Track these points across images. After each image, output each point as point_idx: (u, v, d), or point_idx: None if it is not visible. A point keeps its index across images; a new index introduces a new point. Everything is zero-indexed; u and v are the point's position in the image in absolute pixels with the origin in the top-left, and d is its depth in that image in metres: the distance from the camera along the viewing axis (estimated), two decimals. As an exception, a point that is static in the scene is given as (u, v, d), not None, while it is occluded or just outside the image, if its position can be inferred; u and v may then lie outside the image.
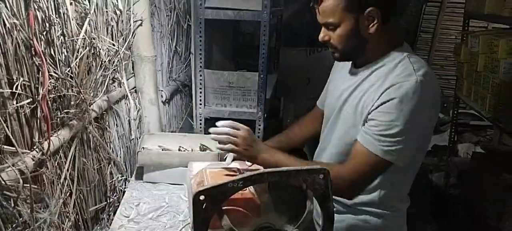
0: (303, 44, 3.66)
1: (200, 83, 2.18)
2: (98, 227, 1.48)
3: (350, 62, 1.23)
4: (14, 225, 0.95)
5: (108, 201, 1.56)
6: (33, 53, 1.03)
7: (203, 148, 1.73)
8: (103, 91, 1.47)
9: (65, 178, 1.22)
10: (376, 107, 1.08)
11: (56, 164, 1.17)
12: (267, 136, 2.21)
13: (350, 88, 1.19)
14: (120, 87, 1.60)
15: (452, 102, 4.20)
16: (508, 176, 2.16)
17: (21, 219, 0.96)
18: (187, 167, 1.50)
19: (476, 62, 2.42)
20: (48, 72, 1.10)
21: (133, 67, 1.78)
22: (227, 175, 1.26)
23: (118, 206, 1.44)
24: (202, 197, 0.90)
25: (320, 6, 1.11)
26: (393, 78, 1.07)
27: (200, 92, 2.19)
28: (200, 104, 2.21)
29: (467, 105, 2.96)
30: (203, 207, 0.91)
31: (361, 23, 1.09)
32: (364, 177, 1.13)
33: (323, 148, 1.30)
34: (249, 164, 1.42)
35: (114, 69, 1.52)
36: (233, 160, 1.38)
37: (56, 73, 1.13)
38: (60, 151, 1.20)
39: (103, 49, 1.41)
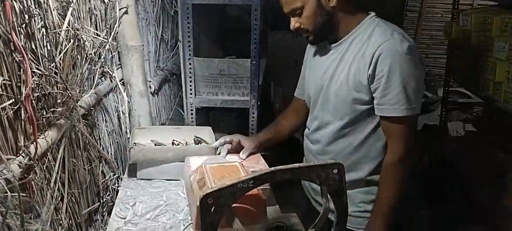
0: (289, 26, 3.60)
1: (190, 72, 2.08)
2: (92, 229, 1.40)
3: (322, 44, 1.32)
4: (3, 240, 0.87)
5: (101, 201, 1.48)
6: (13, 48, 0.93)
7: (198, 141, 1.65)
8: (90, 86, 1.37)
9: (55, 182, 1.13)
10: (374, 75, 1.16)
11: (45, 168, 1.08)
12: (260, 123, 2.16)
13: (333, 64, 1.26)
14: (111, 81, 1.50)
15: (439, 81, 4.25)
16: (503, 155, 2.17)
17: (10, 232, 0.88)
18: (182, 161, 1.44)
19: (468, 41, 2.40)
20: (31, 69, 1.00)
21: (119, 58, 1.68)
22: (228, 170, 1.20)
23: (112, 205, 1.37)
24: (210, 200, 0.83)
25: None
26: (376, 40, 1.17)
27: (190, 81, 2.10)
28: (191, 93, 2.12)
29: (456, 83, 2.96)
30: (211, 210, 0.84)
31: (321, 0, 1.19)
32: (410, 142, 1.20)
33: (321, 126, 1.34)
34: (246, 155, 1.38)
35: (102, 63, 1.42)
36: (228, 153, 1.42)
37: (39, 70, 1.03)
38: (49, 154, 1.11)
39: (88, 41, 1.30)
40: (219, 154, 1.45)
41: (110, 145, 1.60)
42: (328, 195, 0.90)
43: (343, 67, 1.24)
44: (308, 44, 1.45)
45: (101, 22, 1.44)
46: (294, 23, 1.25)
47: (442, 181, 2.71)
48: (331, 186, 0.89)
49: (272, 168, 0.87)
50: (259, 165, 1.38)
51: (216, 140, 1.62)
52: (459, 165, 2.56)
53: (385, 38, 1.16)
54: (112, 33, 1.49)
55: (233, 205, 0.93)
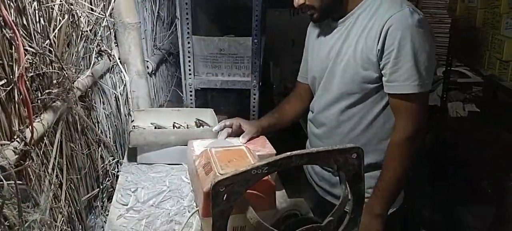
0: (286, 4, 3.51)
1: (189, 51, 2.00)
2: (92, 216, 1.35)
3: (325, 22, 1.25)
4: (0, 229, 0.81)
5: (101, 187, 1.42)
6: (3, 24, 0.85)
7: (199, 123, 1.59)
8: (86, 66, 1.29)
9: (53, 168, 1.06)
10: (383, 51, 1.09)
11: (41, 153, 1.01)
12: (260, 104, 2.09)
13: (339, 41, 1.20)
14: (109, 60, 1.41)
15: (439, 61, 4.20)
16: (508, 135, 2.14)
17: (7, 223, 0.82)
18: (184, 145, 1.38)
19: (474, 18, 2.34)
20: (23, 46, 0.91)
21: (115, 37, 1.59)
22: (235, 155, 1.15)
23: (112, 191, 1.31)
24: (222, 188, 0.78)
25: None
26: (384, 13, 1.09)
27: (189, 61, 2.02)
28: (190, 74, 2.04)
29: (458, 63, 2.92)
30: (223, 198, 0.79)
31: None
32: (421, 120, 1.13)
33: (326, 107, 1.28)
34: (247, 139, 1.32)
35: (99, 41, 1.33)
36: (228, 136, 1.36)
37: (33, 48, 0.95)
38: (45, 138, 1.03)
39: (83, 17, 1.22)
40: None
41: (109, 128, 1.53)
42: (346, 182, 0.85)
43: (349, 43, 1.17)
44: (309, 25, 1.38)
45: (97, -3, 1.35)
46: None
47: (444, 162, 2.69)
48: (349, 172, 0.84)
49: (288, 153, 0.81)
50: (265, 148, 1.32)
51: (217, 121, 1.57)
52: (462, 146, 2.53)
53: (394, 11, 1.09)
54: (109, 9, 1.40)
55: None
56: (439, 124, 3.01)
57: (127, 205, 1.21)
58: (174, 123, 1.58)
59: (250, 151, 1.20)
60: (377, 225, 1.16)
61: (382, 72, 1.13)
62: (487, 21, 2.22)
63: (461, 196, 2.43)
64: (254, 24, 1.94)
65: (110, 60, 1.41)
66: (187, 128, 1.57)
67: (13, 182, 0.81)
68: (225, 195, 0.79)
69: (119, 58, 1.60)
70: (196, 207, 1.18)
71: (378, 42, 1.10)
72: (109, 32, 1.46)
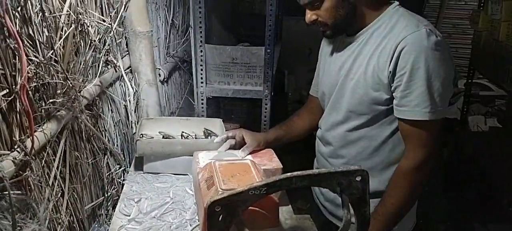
0: (304, 13, 3.47)
1: (201, 60, 1.99)
2: (96, 225, 1.34)
3: (338, 37, 1.20)
4: (-5, 242, 0.80)
5: (106, 195, 1.42)
6: (7, 34, 0.85)
7: (208, 133, 1.57)
8: (94, 75, 1.29)
9: (55, 178, 1.06)
10: (395, 72, 1.03)
11: (43, 163, 1.01)
12: (273, 113, 2.06)
13: (350, 58, 1.14)
14: (115, 71, 1.41)
15: (460, 73, 4.07)
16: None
17: (3, 234, 0.81)
18: (191, 155, 1.36)
19: (497, 31, 2.25)
20: (27, 56, 0.92)
21: (127, 44, 1.59)
22: (239, 169, 1.12)
23: (117, 199, 1.30)
24: (218, 208, 0.75)
25: None
26: (399, 33, 1.04)
27: (201, 70, 2.01)
28: (202, 82, 2.03)
29: (480, 75, 2.81)
30: (219, 218, 0.76)
31: None
32: (429, 148, 1.06)
33: (333, 126, 1.23)
34: (246, 153, 1.29)
35: (107, 50, 1.33)
36: (230, 148, 1.34)
37: (37, 58, 0.95)
38: (48, 147, 1.03)
39: (92, 26, 1.22)
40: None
41: (116, 136, 1.53)
42: (350, 206, 0.81)
43: (361, 62, 1.11)
44: (323, 39, 1.33)
45: (107, 6, 1.35)
46: (310, 15, 1.12)
47: (463, 177, 2.59)
48: (353, 195, 0.80)
49: (288, 174, 0.78)
50: (272, 163, 1.29)
51: (225, 131, 1.54)
52: (481, 161, 2.43)
53: (409, 31, 1.02)
54: (118, 18, 1.40)
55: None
56: (459, 138, 2.91)
57: (129, 215, 1.20)
58: (182, 132, 1.57)
59: (255, 165, 1.17)
60: None
61: (393, 95, 1.07)
62: (510, 34, 2.13)
63: (479, 212, 2.33)
64: (268, 33, 1.92)
65: (116, 71, 1.41)
66: (195, 137, 1.55)
67: (8, 193, 0.80)
68: (221, 215, 0.76)
69: (129, 67, 1.60)
70: (198, 221, 1.16)
71: (390, 63, 1.04)
72: (119, 41, 1.45)
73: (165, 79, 2.02)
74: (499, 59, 2.27)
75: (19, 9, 0.89)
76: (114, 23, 1.36)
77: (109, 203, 1.44)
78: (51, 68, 1.00)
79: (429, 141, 1.05)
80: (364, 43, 1.12)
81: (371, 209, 1.17)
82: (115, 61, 1.37)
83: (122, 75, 1.47)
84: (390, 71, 1.04)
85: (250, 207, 1.00)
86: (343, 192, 0.80)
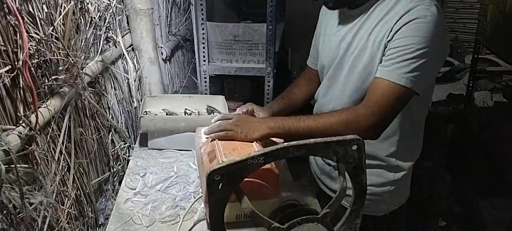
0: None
1: (203, 38, 1.99)
2: (103, 199, 1.38)
3: (340, 9, 1.18)
4: (4, 212, 0.83)
5: (112, 170, 1.45)
6: (7, 11, 0.86)
7: (211, 110, 1.59)
8: (96, 52, 1.31)
9: (60, 152, 1.09)
10: (393, 36, 1.02)
11: (48, 138, 1.04)
12: (277, 92, 2.07)
13: (352, 30, 1.12)
14: (115, 47, 1.43)
15: (467, 48, 4.01)
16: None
17: (11, 205, 0.84)
18: (194, 131, 1.38)
19: (503, 4, 2.20)
20: (28, 33, 0.93)
21: (127, 23, 1.60)
22: (240, 142, 1.14)
23: (123, 175, 1.33)
24: (217, 177, 0.77)
25: None
26: (406, 4, 1.02)
27: (203, 48, 2.01)
28: (204, 60, 2.04)
29: (487, 50, 2.77)
30: (219, 187, 0.78)
31: None
32: (387, 111, 1.04)
33: (331, 100, 1.22)
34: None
35: (107, 27, 1.34)
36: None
37: (38, 34, 0.96)
38: (52, 123, 1.06)
39: (91, 4, 1.23)
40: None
41: (120, 113, 1.55)
42: (346, 173, 0.82)
43: (362, 36, 1.10)
44: (322, 9, 1.31)
45: (107, -17, 1.35)
46: None
47: (468, 153, 2.59)
48: (349, 164, 0.81)
49: (286, 143, 0.79)
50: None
51: (230, 109, 1.56)
52: (487, 137, 2.42)
53: (414, 4, 1.01)
54: (119, -5, 1.40)
55: (245, 179, 0.86)
56: (464, 114, 2.89)
57: (135, 189, 1.24)
58: (185, 109, 1.59)
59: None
60: (260, 129, 1.09)
61: (383, 58, 1.05)
62: (518, 6, 2.09)
63: (484, 188, 2.33)
64: (269, 10, 1.91)
65: (116, 47, 1.42)
66: (198, 114, 1.57)
67: (15, 166, 0.82)
68: (221, 184, 0.78)
69: (131, 45, 1.61)
70: (201, 193, 1.19)
71: (390, 33, 1.03)
72: (119, 18, 1.46)
73: (168, 58, 2.03)
74: (505, 33, 2.23)
75: (18, -14, 0.90)
76: (114, 0, 1.36)
77: (115, 179, 1.48)
78: (52, 45, 1.01)
79: (390, 106, 1.03)
80: (366, 17, 1.10)
81: (377, 180, 1.20)
82: (115, 37, 1.38)
83: (123, 53, 1.48)
84: (388, 40, 1.04)
85: (251, 179, 1.03)
86: (340, 160, 0.81)
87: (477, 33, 2.69)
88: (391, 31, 1.03)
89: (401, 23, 1.01)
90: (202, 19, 1.94)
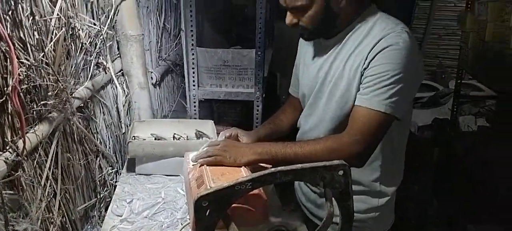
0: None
1: (193, 63, 2.02)
2: (89, 226, 1.36)
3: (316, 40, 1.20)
4: (-13, 241, 0.82)
5: (98, 197, 1.43)
6: (-2, 37, 0.87)
7: (199, 135, 1.60)
8: (86, 78, 1.32)
9: (47, 178, 1.08)
10: (368, 64, 1.05)
11: (35, 164, 1.03)
12: (266, 116, 2.09)
13: (328, 60, 1.15)
14: (105, 73, 1.44)
15: (451, 74, 4.12)
16: (518, 151, 2.07)
17: (-5, 233, 0.83)
18: (182, 156, 1.38)
19: (483, 32, 2.29)
20: (18, 59, 0.94)
21: (118, 48, 1.61)
22: (228, 168, 1.14)
23: (110, 201, 1.32)
24: (205, 203, 0.77)
25: None
26: (379, 33, 1.05)
27: (193, 73, 2.04)
28: (194, 85, 2.06)
29: (469, 76, 2.85)
30: (207, 213, 0.78)
31: (332, 0, 1.06)
32: (369, 138, 1.05)
33: (312, 129, 1.23)
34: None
35: (98, 53, 1.35)
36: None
37: (28, 60, 0.97)
38: (39, 148, 1.05)
39: (82, 30, 1.24)
40: None
41: (109, 138, 1.55)
42: (333, 199, 0.83)
43: (338, 65, 1.12)
44: (301, 39, 1.32)
45: (98, 10, 1.37)
46: (291, 19, 1.10)
47: (453, 176, 2.62)
48: (336, 189, 0.82)
49: (273, 169, 0.80)
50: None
51: (218, 133, 1.56)
52: (472, 161, 2.46)
53: (386, 32, 1.04)
54: (108, 22, 1.42)
55: (233, 205, 0.87)
56: (449, 138, 2.95)
57: (121, 216, 1.22)
58: (174, 134, 1.59)
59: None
60: (248, 154, 1.09)
61: (360, 86, 1.08)
62: (497, 35, 2.18)
63: (470, 212, 2.35)
64: (258, 36, 1.95)
65: (106, 73, 1.43)
66: (187, 139, 1.58)
67: (0, 192, 0.81)
68: (208, 210, 0.78)
69: (121, 70, 1.62)
70: (189, 220, 1.18)
71: (365, 61, 1.05)
72: (110, 44, 1.48)
73: (158, 83, 2.04)
74: (485, 59, 2.32)
75: (10, 12, 0.92)
76: (105, 27, 1.38)
77: (101, 205, 1.46)
78: (42, 70, 1.02)
79: (371, 133, 1.05)
80: (341, 47, 1.13)
81: (362, 206, 1.21)
82: (105, 63, 1.39)
83: (113, 79, 1.49)
84: (364, 68, 1.06)
85: (239, 204, 1.03)
86: (326, 186, 0.82)
87: (460, 59, 2.78)
88: (366, 59, 1.06)
89: (375, 51, 1.04)
90: (192, 44, 1.97)
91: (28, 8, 0.96)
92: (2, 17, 0.88)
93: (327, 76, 1.16)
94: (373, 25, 1.09)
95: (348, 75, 1.10)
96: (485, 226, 2.26)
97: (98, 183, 1.44)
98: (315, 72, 1.20)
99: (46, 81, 1.04)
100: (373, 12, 1.12)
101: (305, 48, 1.30)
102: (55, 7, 1.08)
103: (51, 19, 1.06)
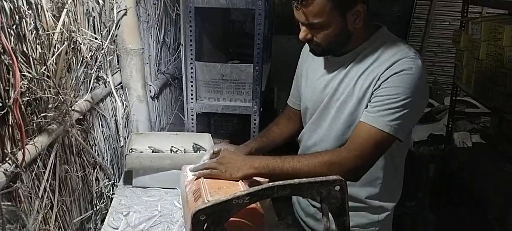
0: (295, 31, 3.54)
1: (191, 77, 2.04)
2: (85, 239, 1.35)
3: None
4: (-16, 252, 0.82)
5: (95, 209, 1.43)
6: (1, 50, 0.89)
7: (197, 148, 1.61)
8: (85, 90, 1.33)
9: (44, 190, 1.08)
10: (380, 85, 1.07)
11: (33, 175, 1.03)
12: (263, 129, 2.09)
13: (337, 77, 1.16)
14: (105, 86, 1.45)
15: (446, 90, 4.17)
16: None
17: (-8, 244, 0.83)
18: (179, 169, 1.39)
19: (477, 50, 2.34)
20: (20, 72, 0.95)
21: (118, 61, 1.63)
22: (226, 182, 1.15)
23: (106, 213, 1.32)
24: (202, 217, 0.78)
25: (307, 7, 1.04)
26: (393, 55, 1.07)
27: (191, 86, 2.06)
28: (192, 98, 2.08)
29: (464, 93, 2.89)
30: (204, 227, 0.79)
31: (348, 20, 1.07)
32: (368, 155, 1.07)
33: (317, 144, 1.24)
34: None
35: (98, 67, 1.37)
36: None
37: (30, 73, 0.99)
38: (38, 160, 1.06)
39: (84, 44, 1.26)
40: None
41: (106, 150, 1.55)
42: (330, 214, 0.84)
43: (348, 83, 1.13)
44: (304, 50, 1.33)
45: (99, 24, 1.40)
46: (305, 34, 1.10)
47: (449, 192, 2.64)
48: (332, 205, 0.84)
49: (271, 183, 0.81)
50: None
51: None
52: (467, 177, 2.48)
53: (401, 56, 1.06)
54: (109, 36, 1.44)
55: (230, 219, 0.87)
56: (445, 154, 2.97)
57: (117, 228, 1.22)
58: (172, 147, 1.60)
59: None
60: (245, 168, 1.09)
61: (368, 103, 1.10)
62: (491, 54, 2.22)
63: (466, 227, 2.36)
64: (256, 51, 1.97)
65: (106, 86, 1.44)
66: (184, 152, 1.58)
67: None
68: (206, 224, 0.79)
69: (120, 83, 1.64)
70: (186, 233, 1.18)
71: (377, 83, 1.07)
72: (111, 57, 1.49)
73: (156, 96, 2.05)
74: (479, 77, 2.35)
75: (14, 26, 0.93)
76: (106, 41, 1.40)
77: (98, 217, 1.45)
78: (43, 83, 1.03)
79: (371, 150, 1.06)
80: (351, 65, 1.14)
81: (361, 221, 1.22)
82: (105, 77, 1.40)
83: (112, 92, 1.50)
84: (375, 88, 1.08)
85: (236, 218, 1.03)
86: (323, 201, 0.84)
87: (455, 77, 2.82)
88: (378, 79, 1.07)
89: (389, 74, 1.06)
90: (191, 58, 1.99)
91: (32, 23, 0.98)
92: (6, 31, 0.90)
93: (336, 94, 1.16)
94: (385, 47, 1.11)
95: (358, 94, 1.11)
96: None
97: (95, 195, 1.44)
98: (322, 88, 1.20)
99: (47, 94, 1.05)
100: (384, 33, 1.14)
101: (308, 62, 1.30)
102: (58, 21, 1.10)
103: (54, 33, 1.07)
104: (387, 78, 1.06)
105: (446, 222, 2.56)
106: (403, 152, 1.24)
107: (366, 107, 1.10)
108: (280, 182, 0.81)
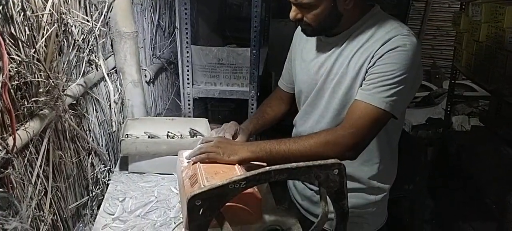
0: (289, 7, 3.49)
1: (187, 61, 2.01)
2: (81, 225, 1.34)
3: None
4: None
5: (91, 195, 1.42)
6: (-12, 33, 0.85)
7: (193, 133, 1.58)
8: (78, 75, 1.30)
9: (37, 176, 1.06)
10: (375, 63, 1.06)
11: (26, 161, 1.01)
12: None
13: (331, 57, 1.15)
14: (97, 71, 1.42)
15: (445, 74, 4.14)
16: (510, 150, 2.09)
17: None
18: (176, 155, 1.37)
19: (477, 32, 2.31)
20: (9, 54, 0.92)
21: (111, 45, 1.60)
22: (222, 166, 1.13)
23: (102, 199, 1.30)
24: (198, 202, 0.77)
25: None
26: (386, 33, 1.06)
27: (188, 71, 2.03)
28: (188, 83, 2.05)
29: (463, 76, 2.87)
30: (200, 212, 0.78)
31: (338, 1, 1.07)
32: (365, 132, 1.07)
33: (313, 125, 1.23)
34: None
35: (90, 50, 1.34)
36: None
37: (19, 56, 0.95)
38: (30, 146, 1.04)
39: (75, 26, 1.22)
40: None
41: (101, 136, 1.53)
42: (328, 198, 0.83)
43: (342, 62, 1.12)
44: (297, 32, 1.32)
45: (91, 6, 1.36)
46: (295, 13, 1.10)
47: (447, 176, 2.64)
48: (330, 188, 0.82)
49: (268, 167, 0.80)
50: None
51: (212, 131, 1.55)
52: (465, 160, 2.48)
53: (394, 33, 1.05)
54: (101, 18, 1.41)
55: (227, 204, 0.86)
56: (443, 138, 2.96)
57: (113, 214, 1.21)
58: (168, 132, 1.57)
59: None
60: (242, 151, 1.09)
61: (363, 82, 1.08)
62: (491, 36, 2.19)
63: (464, 211, 2.37)
64: (253, 35, 1.94)
65: (97, 70, 1.41)
66: (181, 137, 1.56)
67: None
68: (202, 209, 0.77)
69: (114, 67, 1.60)
70: (182, 219, 1.17)
71: (371, 60, 1.06)
72: (103, 41, 1.46)
73: (152, 80, 2.02)
74: (479, 60, 2.33)
75: (0, 8, 0.90)
76: (98, 23, 1.36)
77: (94, 203, 1.44)
78: (33, 66, 1.00)
79: (368, 127, 1.05)
80: (344, 45, 1.13)
81: (359, 202, 1.22)
82: (97, 60, 1.37)
83: (105, 77, 1.47)
84: (369, 66, 1.07)
85: (233, 203, 1.02)
86: (321, 185, 0.82)
87: (454, 60, 2.80)
88: (372, 57, 1.06)
89: (383, 51, 1.05)
90: (187, 42, 1.96)
91: (19, 3, 0.94)
92: (-8, 12, 0.86)
93: (330, 74, 1.16)
94: (379, 25, 1.10)
95: (352, 73, 1.10)
96: (478, 224, 2.28)
97: (90, 181, 1.42)
98: (316, 69, 1.19)
99: (37, 78, 1.02)
100: (378, 12, 1.13)
101: (301, 44, 1.29)
102: (47, 2, 1.06)
103: (42, 15, 1.04)
104: (382, 55, 1.05)
105: (444, 205, 2.57)
106: (398, 132, 1.24)
107: (361, 85, 1.09)
108: (277, 166, 0.80)
